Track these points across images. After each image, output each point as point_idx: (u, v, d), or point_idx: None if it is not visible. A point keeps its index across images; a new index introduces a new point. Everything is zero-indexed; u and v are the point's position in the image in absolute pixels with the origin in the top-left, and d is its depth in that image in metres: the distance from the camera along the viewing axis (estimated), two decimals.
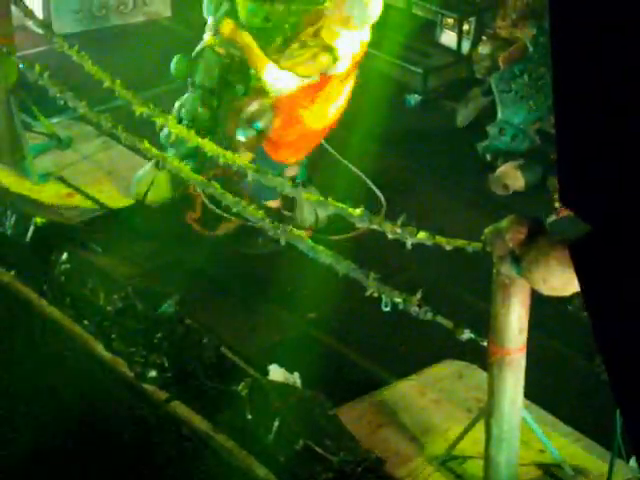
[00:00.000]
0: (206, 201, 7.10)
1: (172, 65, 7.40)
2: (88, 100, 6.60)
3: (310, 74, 6.37)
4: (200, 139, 6.15)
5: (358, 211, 5.25)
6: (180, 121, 7.30)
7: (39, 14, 8.98)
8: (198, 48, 7.24)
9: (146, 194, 7.36)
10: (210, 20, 7.17)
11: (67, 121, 8.14)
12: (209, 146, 6.04)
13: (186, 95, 7.38)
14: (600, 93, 2.27)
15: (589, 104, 2.32)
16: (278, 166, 6.63)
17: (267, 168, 5.96)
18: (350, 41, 6.42)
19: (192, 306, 6.31)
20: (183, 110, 7.31)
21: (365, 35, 6.52)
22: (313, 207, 7.01)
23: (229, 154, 5.88)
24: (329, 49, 6.31)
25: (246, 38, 6.49)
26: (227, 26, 6.61)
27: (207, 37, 7.20)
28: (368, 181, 7.22)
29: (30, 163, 7.54)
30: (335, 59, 6.34)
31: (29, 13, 7.19)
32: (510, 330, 4.64)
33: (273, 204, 6.84)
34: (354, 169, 7.24)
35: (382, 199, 7.09)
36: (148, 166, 7.28)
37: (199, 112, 7.30)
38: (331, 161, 7.22)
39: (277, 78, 6.36)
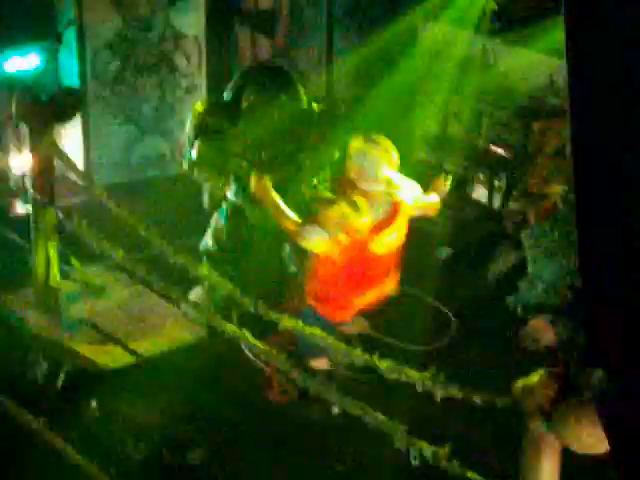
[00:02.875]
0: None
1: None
2: (123, 248, 6.72)
3: (337, 231, 6.29)
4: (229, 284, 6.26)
5: (385, 363, 5.28)
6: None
7: (80, 165, 9.21)
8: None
9: None
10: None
11: (102, 269, 8.26)
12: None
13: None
14: (625, 247, 2.31)
15: (614, 263, 2.36)
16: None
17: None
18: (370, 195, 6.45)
19: (219, 455, 6.26)
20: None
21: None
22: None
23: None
24: (353, 204, 6.31)
25: (275, 197, 6.46)
26: (256, 181, 6.55)
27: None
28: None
29: (64, 310, 7.62)
30: (360, 214, 6.36)
31: (71, 165, 7.37)
32: None
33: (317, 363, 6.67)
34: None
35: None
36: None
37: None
38: None
39: (311, 241, 6.33)
